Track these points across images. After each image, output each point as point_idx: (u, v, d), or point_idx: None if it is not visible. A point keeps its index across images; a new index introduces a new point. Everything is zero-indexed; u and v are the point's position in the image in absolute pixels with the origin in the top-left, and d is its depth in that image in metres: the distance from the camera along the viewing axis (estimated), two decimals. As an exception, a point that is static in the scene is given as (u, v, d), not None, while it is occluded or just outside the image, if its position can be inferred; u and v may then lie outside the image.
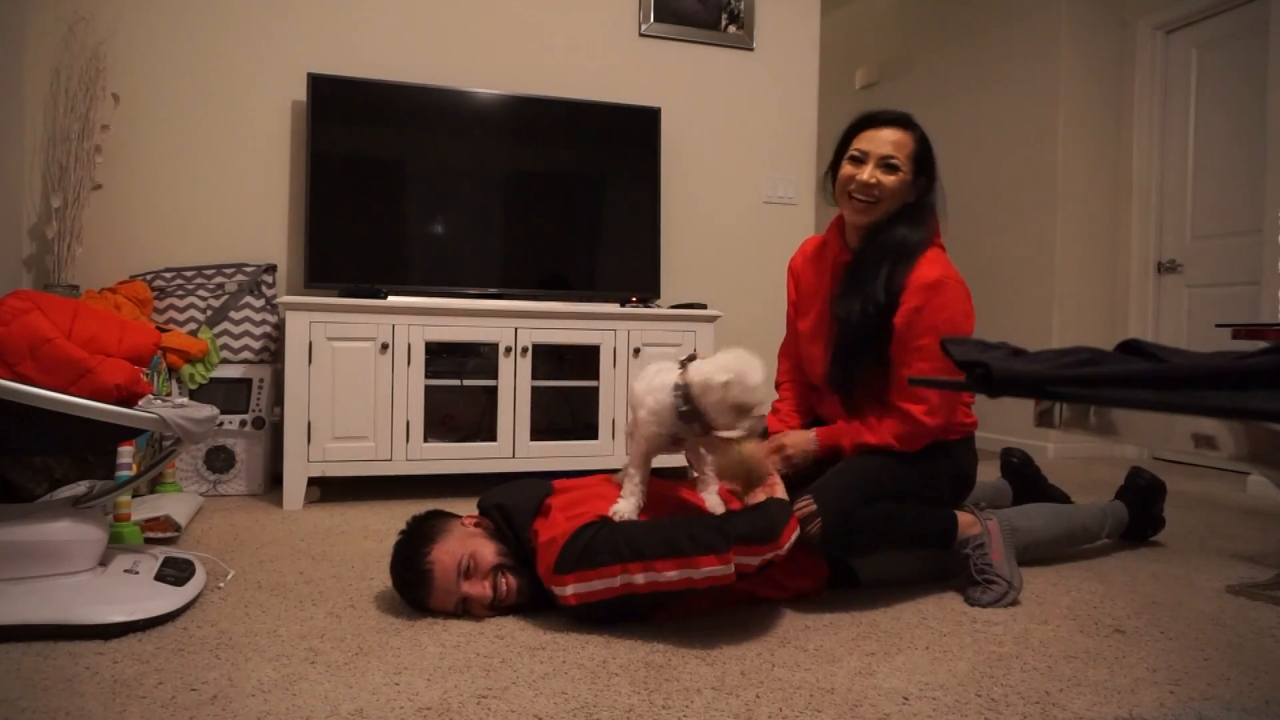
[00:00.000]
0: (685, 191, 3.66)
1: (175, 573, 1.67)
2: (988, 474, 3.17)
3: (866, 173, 1.81)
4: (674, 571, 1.47)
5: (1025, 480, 2.42)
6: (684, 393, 1.57)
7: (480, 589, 1.62)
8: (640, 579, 1.48)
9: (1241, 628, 1.67)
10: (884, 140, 1.81)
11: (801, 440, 1.92)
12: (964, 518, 1.87)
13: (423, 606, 1.65)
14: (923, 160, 1.84)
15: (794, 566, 1.74)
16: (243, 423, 2.86)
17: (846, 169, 1.85)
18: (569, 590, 1.53)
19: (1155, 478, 2.34)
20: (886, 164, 1.81)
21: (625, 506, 1.61)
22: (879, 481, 1.78)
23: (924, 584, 1.90)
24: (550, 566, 1.55)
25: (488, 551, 1.64)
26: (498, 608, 1.65)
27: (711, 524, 1.53)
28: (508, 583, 1.63)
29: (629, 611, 1.57)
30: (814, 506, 1.69)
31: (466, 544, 1.63)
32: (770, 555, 1.54)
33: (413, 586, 1.64)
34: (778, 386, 2.15)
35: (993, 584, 1.80)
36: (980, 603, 1.76)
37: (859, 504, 1.72)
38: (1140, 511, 2.30)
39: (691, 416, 1.58)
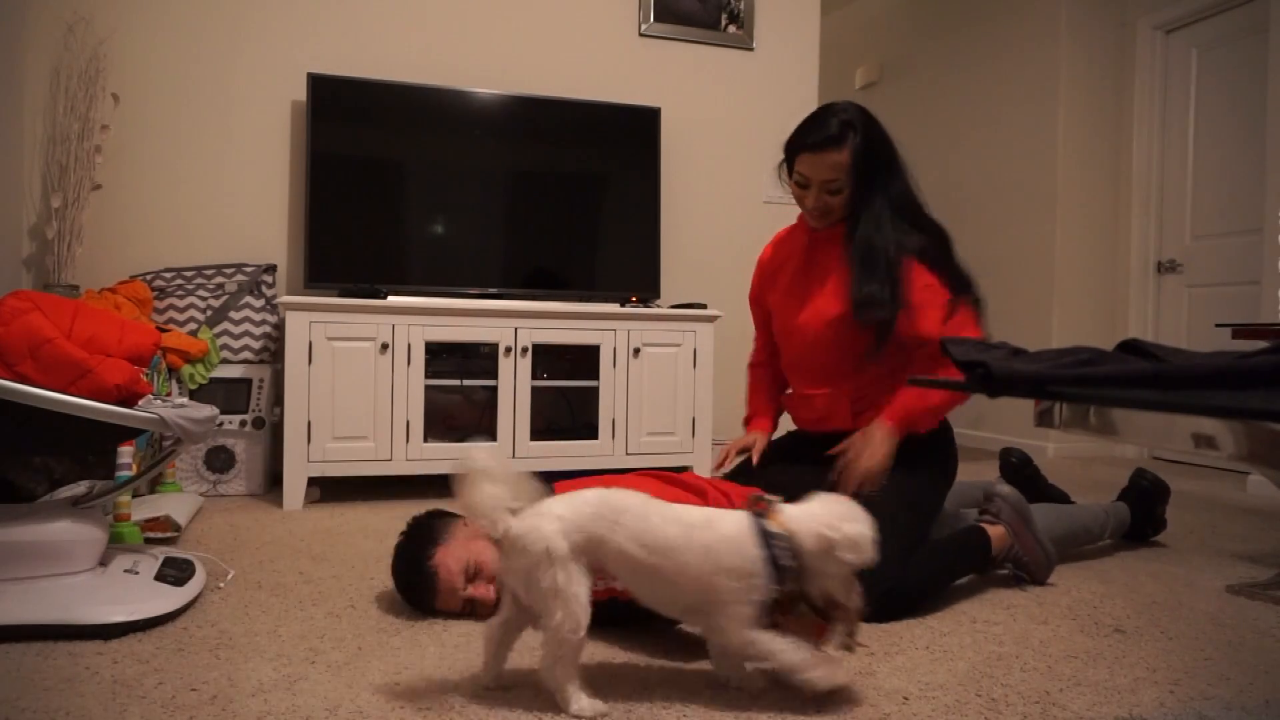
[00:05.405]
0: (685, 191, 3.66)
1: (175, 573, 1.67)
2: (987, 474, 3.14)
3: (812, 200, 1.84)
4: None
5: (1024, 480, 2.41)
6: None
7: (485, 591, 1.61)
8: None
9: (1241, 628, 1.66)
10: (822, 166, 1.80)
11: (878, 449, 1.74)
12: (993, 533, 1.87)
13: (426, 608, 1.65)
14: (865, 165, 1.80)
15: None
16: (243, 423, 2.86)
17: (795, 190, 1.88)
18: None
19: (1159, 479, 2.34)
20: (829, 189, 1.82)
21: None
22: (909, 527, 1.73)
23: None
24: None
25: (492, 555, 1.63)
26: None
27: None
28: None
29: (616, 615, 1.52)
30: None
31: (470, 547, 1.63)
32: None
33: (416, 588, 1.64)
34: (751, 368, 2.20)
35: (1035, 566, 1.90)
36: (1038, 583, 1.91)
37: (903, 567, 1.66)
38: (1143, 513, 2.30)
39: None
